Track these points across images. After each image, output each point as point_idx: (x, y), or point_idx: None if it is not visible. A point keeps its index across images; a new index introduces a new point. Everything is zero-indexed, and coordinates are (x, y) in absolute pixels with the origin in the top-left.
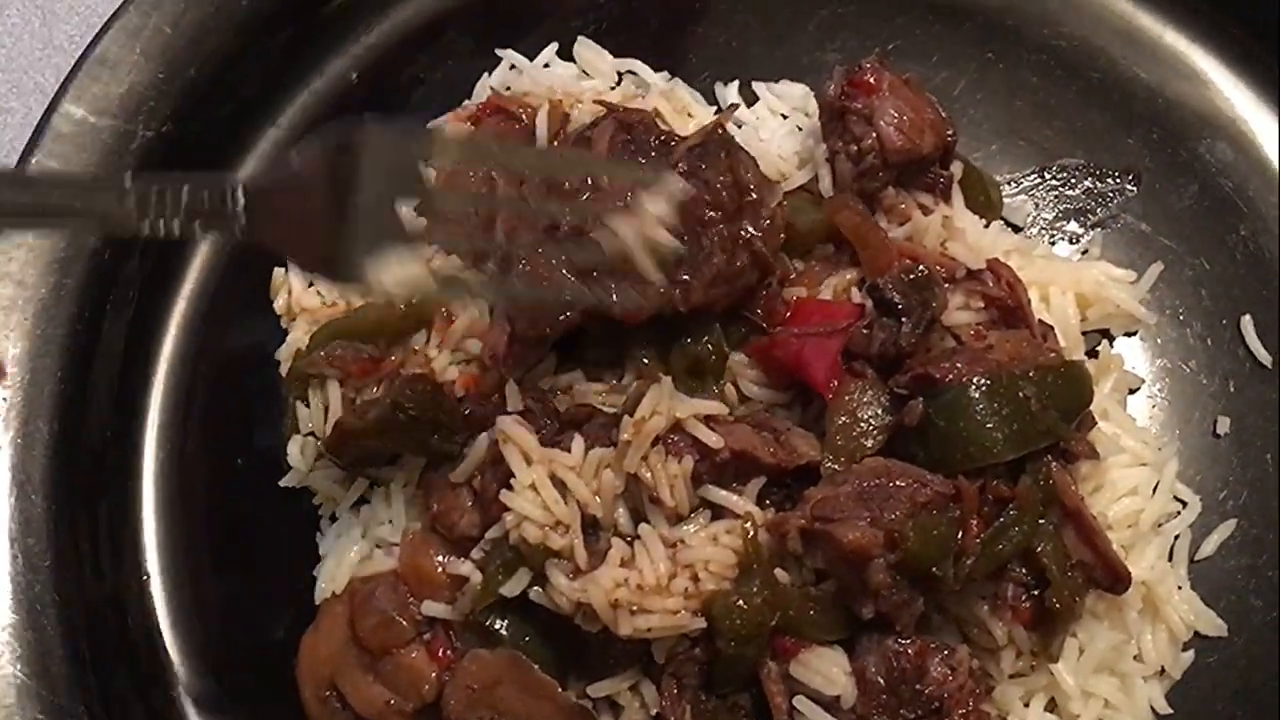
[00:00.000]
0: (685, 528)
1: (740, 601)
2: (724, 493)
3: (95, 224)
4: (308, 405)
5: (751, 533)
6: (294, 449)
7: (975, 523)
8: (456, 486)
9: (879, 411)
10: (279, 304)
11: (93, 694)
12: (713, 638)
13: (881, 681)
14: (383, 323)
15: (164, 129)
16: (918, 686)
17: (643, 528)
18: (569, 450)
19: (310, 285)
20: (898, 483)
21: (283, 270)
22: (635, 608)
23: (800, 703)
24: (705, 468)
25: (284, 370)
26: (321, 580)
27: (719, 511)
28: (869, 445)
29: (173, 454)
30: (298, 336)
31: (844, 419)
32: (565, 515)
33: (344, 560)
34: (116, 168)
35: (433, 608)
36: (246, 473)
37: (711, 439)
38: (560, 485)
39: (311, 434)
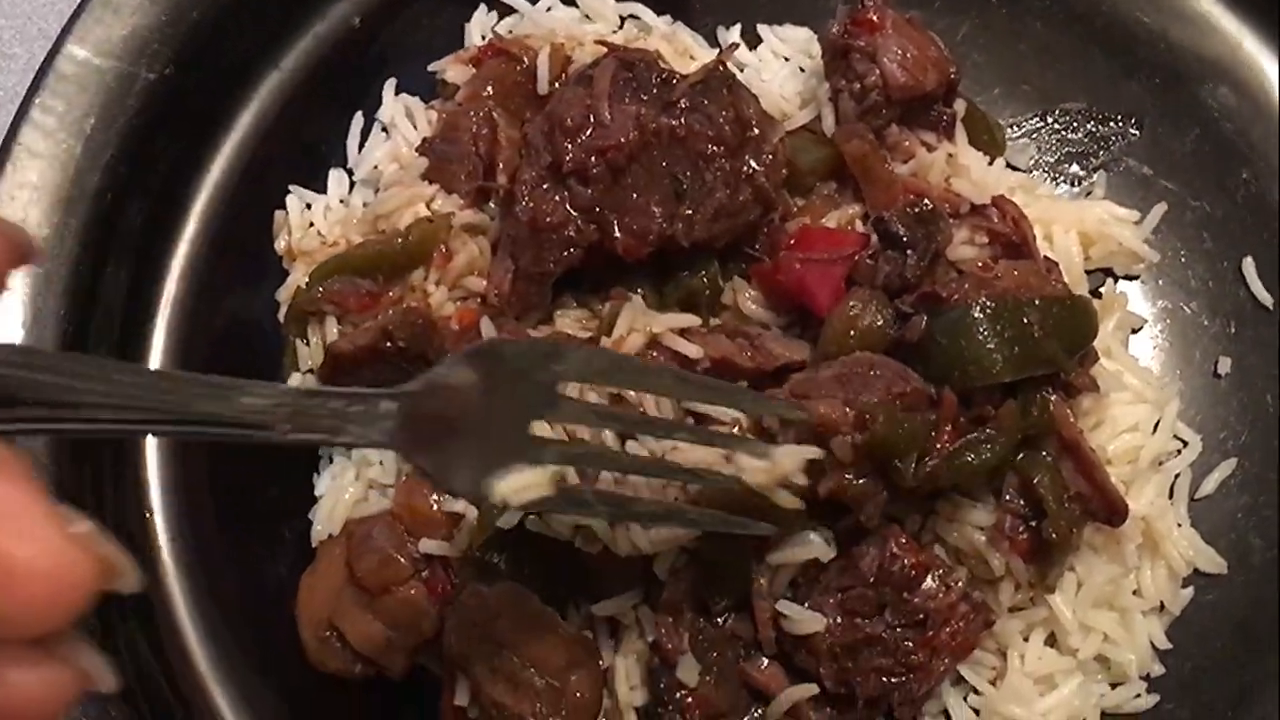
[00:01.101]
0: (673, 440)
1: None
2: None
3: (243, 433)
4: (307, 343)
5: (740, 433)
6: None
7: (949, 431)
8: None
9: (880, 323)
10: (280, 245)
11: (95, 631)
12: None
13: (871, 577)
14: (381, 258)
15: (167, 71)
16: (905, 594)
17: (630, 445)
18: None
19: (311, 225)
20: (878, 372)
21: (283, 212)
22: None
23: (784, 605)
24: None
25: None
26: (317, 523)
27: (704, 422)
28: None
29: None
30: (298, 277)
31: (841, 324)
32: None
33: (339, 502)
34: (119, 110)
35: (430, 545)
36: None
37: (690, 349)
38: None
39: (311, 371)
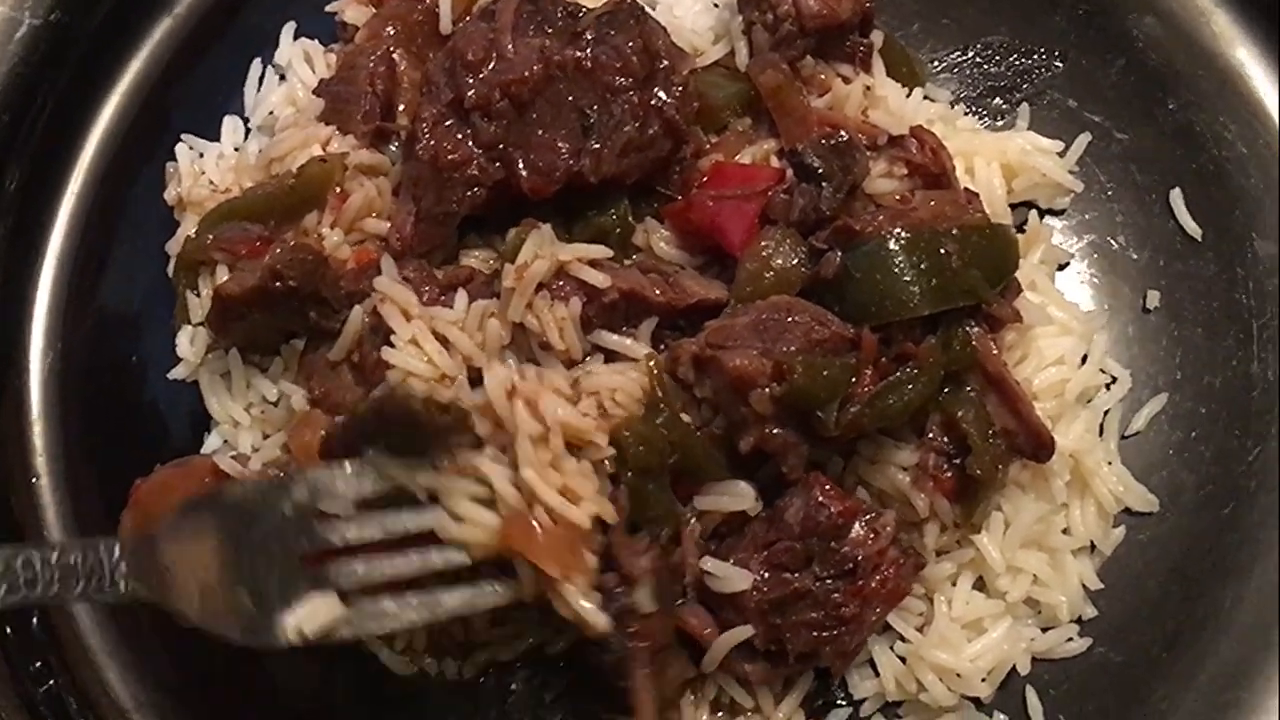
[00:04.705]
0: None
1: (642, 429)
2: (615, 336)
3: None
4: (198, 295)
5: (656, 370)
6: (183, 339)
7: (870, 373)
8: (337, 365)
9: (794, 261)
10: (169, 195)
11: None
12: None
13: (797, 528)
14: (272, 201)
15: (52, 17)
16: (833, 544)
17: (542, 356)
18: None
19: (203, 174)
20: (796, 318)
21: (173, 164)
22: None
23: (708, 562)
24: (594, 310)
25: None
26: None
27: (612, 357)
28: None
29: (63, 354)
30: (188, 227)
31: (755, 265)
32: (450, 367)
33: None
34: (1, 57)
35: None
36: (138, 370)
37: (598, 279)
38: (443, 341)
39: (202, 324)
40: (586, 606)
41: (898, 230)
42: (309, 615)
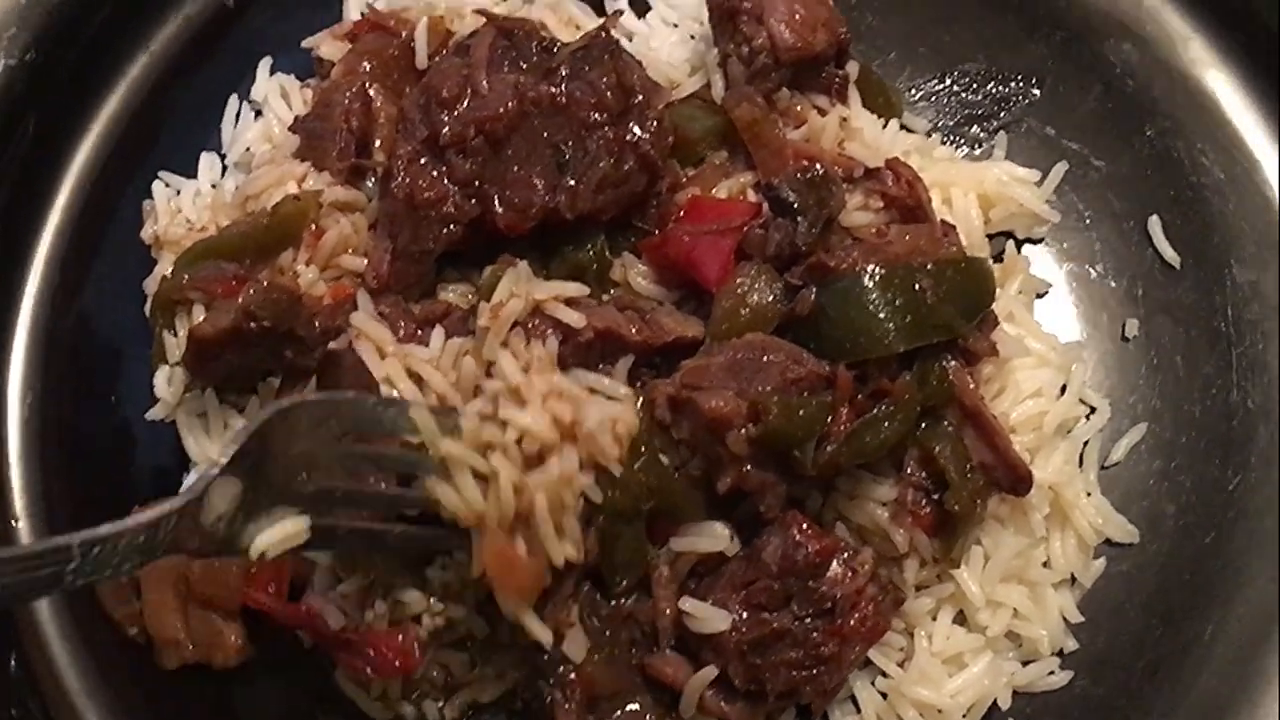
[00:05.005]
0: None
1: (620, 474)
2: (592, 375)
3: None
4: (175, 334)
5: (642, 409)
6: (160, 380)
7: (846, 411)
8: None
9: (770, 299)
10: (146, 233)
11: None
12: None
13: (775, 567)
14: (247, 239)
15: (27, 57)
16: (811, 582)
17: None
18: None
19: (179, 211)
20: (771, 357)
21: (150, 201)
22: None
23: (686, 603)
24: (569, 350)
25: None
26: None
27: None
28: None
29: (41, 394)
30: (165, 266)
31: (730, 302)
32: None
33: None
34: None
35: None
36: (117, 411)
37: (573, 318)
38: (418, 380)
39: (179, 363)
40: (533, 621)
41: (872, 266)
42: (279, 535)
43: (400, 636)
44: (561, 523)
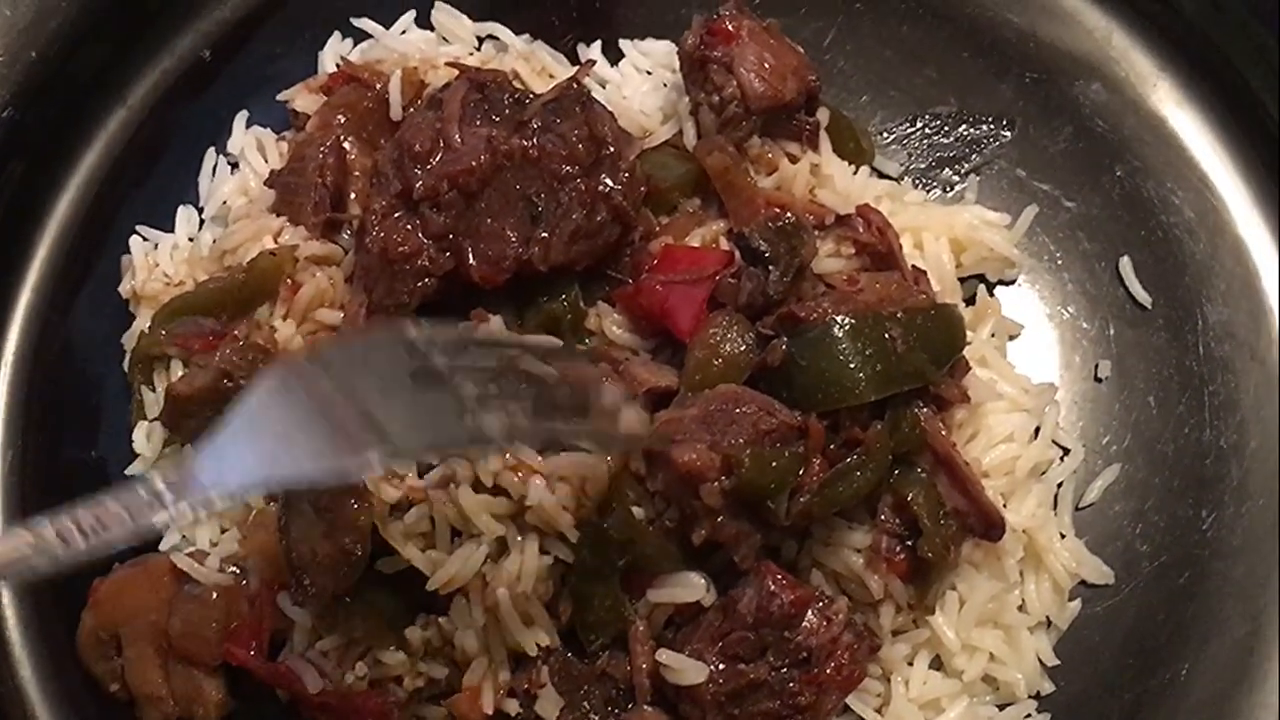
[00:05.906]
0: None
1: (593, 532)
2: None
3: None
4: (153, 390)
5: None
6: (140, 436)
7: (819, 461)
8: None
9: (742, 349)
10: (124, 288)
11: None
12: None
13: (750, 618)
14: (224, 295)
15: (5, 113)
16: (786, 633)
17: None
18: None
19: (157, 265)
20: (744, 409)
21: (128, 256)
22: None
23: (663, 654)
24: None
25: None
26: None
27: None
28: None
29: (21, 452)
30: (143, 321)
31: (703, 353)
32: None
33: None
34: None
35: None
36: (97, 467)
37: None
38: None
39: (159, 419)
40: None
41: (841, 316)
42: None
43: (379, 698)
44: (528, 611)
